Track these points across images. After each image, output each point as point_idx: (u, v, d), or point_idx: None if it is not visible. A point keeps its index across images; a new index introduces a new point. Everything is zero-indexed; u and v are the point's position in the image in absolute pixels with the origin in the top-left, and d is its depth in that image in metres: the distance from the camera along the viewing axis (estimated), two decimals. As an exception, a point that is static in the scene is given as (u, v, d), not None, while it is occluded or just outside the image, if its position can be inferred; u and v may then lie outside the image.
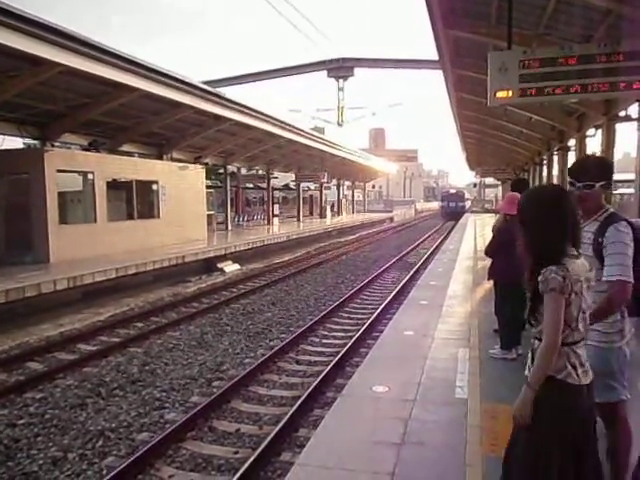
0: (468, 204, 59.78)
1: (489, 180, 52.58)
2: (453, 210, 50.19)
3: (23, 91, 11.80)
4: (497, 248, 5.83)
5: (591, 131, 13.52)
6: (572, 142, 15.67)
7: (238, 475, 4.52)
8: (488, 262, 6.20)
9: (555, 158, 18.71)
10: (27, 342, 9.23)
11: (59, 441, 5.47)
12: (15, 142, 16.45)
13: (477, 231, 24.78)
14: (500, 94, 6.92)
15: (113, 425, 5.83)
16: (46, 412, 6.20)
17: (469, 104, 16.46)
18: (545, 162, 21.09)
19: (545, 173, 21.20)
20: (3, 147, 16.15)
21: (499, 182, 46.36)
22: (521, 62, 6.77)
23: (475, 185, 61.78)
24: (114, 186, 15.91)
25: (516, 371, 5.28)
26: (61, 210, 13.81)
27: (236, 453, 5.18)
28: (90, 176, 14.89)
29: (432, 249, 22.92)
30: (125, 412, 6.20)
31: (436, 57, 12.03)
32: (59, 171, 13.64)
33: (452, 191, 58.51)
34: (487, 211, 48.34)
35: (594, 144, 13.38)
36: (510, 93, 6.86)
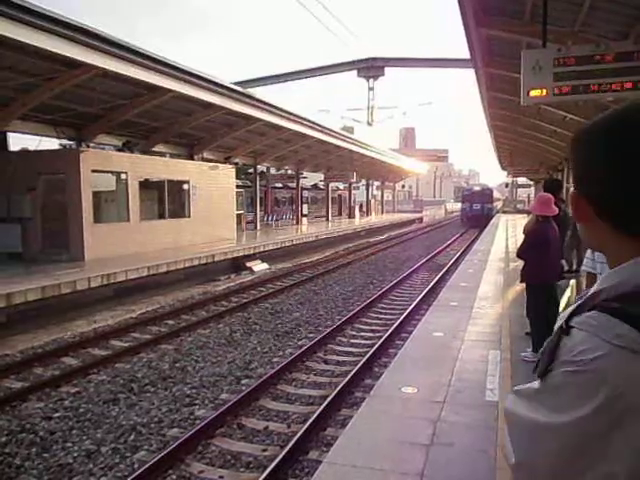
0: (498, 206, 56.39)
1: (521, 180, 51.41)
2: (477, 214, 39.11)
3: (60, 93, 12.12)
4: (528, 249, 5.74)
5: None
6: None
7: (267, 472, 4.55)
8: (520, 263, 6.11)
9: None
10: (62, 338, 9.47)
11: (93, 434, 5.60)
12: (51, 143, 16.88)
13: (509, 232, 24.41)
14: (534, 93, 6.80)
15: (144, 420, 5.94)
16: (80, 406, 6.36)
17: (501, 103, 16.19)
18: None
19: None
20: (39, 148, 16.60)
21: (532, 182, 45.62)
22: (556, 60, 6.64)
23: (507, 185, 60.07)
24: (146, 186, 16.20)
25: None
26: (95, 209, 14.14)
27: (264, 450, 5.22)
28: (123, 176, 15.20)
29: (462, 250, 22.64)
30: (156, 408, 6.31)
31: (468, 55, 11.88)
32: (94, 171, 13.96)
33: (476, 188, 44.09)
34: (519, 211, 47.49)
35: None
36: (544, 92, 6.74)
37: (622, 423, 0.69)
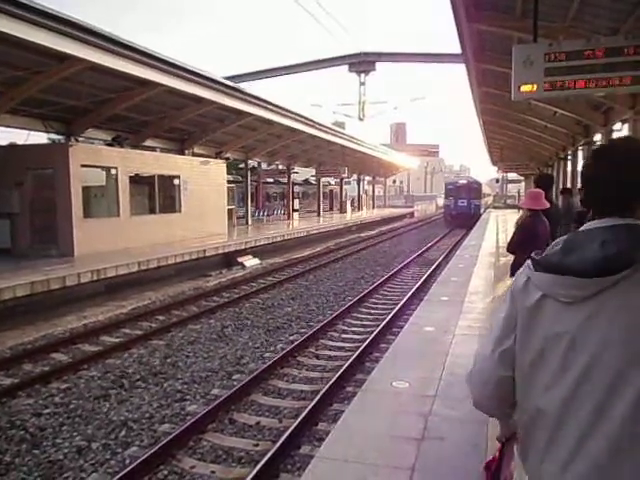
0: (489, 201, 55.14)
1: (511, 175, 51.51)
2: (463, 211, 34.44)
3: (48, 87, 11.99)
4: (519, 244, 5.75)
5: (617, 125, 13.26)
6: (598, 137, 15.40)
7: (258, 467, 4.55)
8: (510, 258, 6.13)
9: (580, 153, 18.39)
10: (52, 333, 9.41)
11: (83, 431, 5.57)
12: (39, 137, 16.72)
13: (499, 226, 24.51)
14: (524, 88, 6.80)
15: (135, 416, 5.92)
16: (70, 402, 6.33)
17: (492, 98, 16.24)
18: (570, 157, 20.73)
19: (570, 169, 20.86)
20: (28, 142, 16.43)
21: (522, 177, 45.81)
22: (547, 55, 6.64)
23: (497, 180, 60.24)
24: (137, 181, 16.08)
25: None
26: (85, 204, 14.00)
27: (256, 445, 5.22)
28: (113, 171, 15.08)
29: (453, 245, 22.74)
30: (147, 403, 6.29)
31: (459, 50, 11.87)
32: (83, 166, 13.83)
33: (462, 182, 37.69)
34: (509, 206, 47.61)
35: (621, 139, 13.10)
36: (535, 87, 6.74)
37: (518, 311, 1.33)
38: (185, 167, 18.28)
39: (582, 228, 1.30)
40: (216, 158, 21.33)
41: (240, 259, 17.25)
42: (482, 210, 37.77)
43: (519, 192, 55.68)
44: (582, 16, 8.91)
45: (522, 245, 5.68)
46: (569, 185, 18.52)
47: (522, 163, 33.71)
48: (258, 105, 17.23)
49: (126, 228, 15.15)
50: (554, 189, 11.04)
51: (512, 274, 5.99)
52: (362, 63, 29.57)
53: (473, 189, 35.76)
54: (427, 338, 6.38)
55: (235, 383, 6.85)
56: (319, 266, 17.27)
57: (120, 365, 7.69)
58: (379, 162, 39.23)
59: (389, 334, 8.87)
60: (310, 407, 5.82)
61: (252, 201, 29.23)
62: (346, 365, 7.19)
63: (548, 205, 5.72)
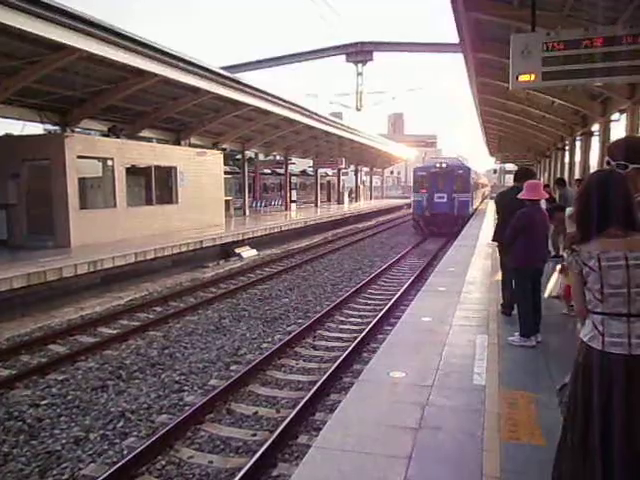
0: (486, 191, 53.37)
1: (509, 166, 51.35)
2: (443, 212, 23.06)
3: (43, 77, 11.90)
4: (516, 234, 5.74)
5: (615, 115, 13.24)
6: (596, 127, 15.38)
7: (256, 457, 4.57)
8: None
9: (578, 144, 18.38)
10: (49, 325, 9.40)
11: (81, 421, 5.58)
12: (35, 128, 16.61)
13: (497, 216, 24.45)
14: (523, 77, 6.78)
15: (133, 407, 5.93)
16: (68, 393, 6.33)
17: (490, 88, 16.17)
18: (567, 147, 20.72)
19: (567, 159, 20.84)
20: (24, 133, 16.32)
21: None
22: (545, 44, 6.61)
23: (495, 171, 60.13)
24: (133, 172, 16.00)
25: (535, 359, 5.25)
26: (81, 195, 13.95)
27: (254, 435, 5.23)
28: (110, 162, 15.00)
29: (450, 236, 22.70)
30: (145, 394, 6.30)
31: (457, 40, 11.80)
32: (79, 157, 13.76)
33: (439, 165, 23.97)
34: None
35: (619, 129, 13.12)
36: (533, 76, 6.72)
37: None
38: (182, 158, 18.21)
39: None
40: (213, 149, 21.24)
41: (237, 250, 17.23)
42: (473, 208, 27.40)
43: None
44: (580, 5, 8.85)
45: (519, 234, 5.68)
46: (566, 176, 18.54)
47: (520, 154, 33.72)
48: (255, 95, 17.15)
49: (123, 219, 15.11)
50: (551, 180, 11.04)
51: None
52: (359, 53, 29.45)
53: (457, 177, 23.59)
54: (424, 328, 6.38)
55: (233, 374, 6.85)
56: (317, 257, 17.28)
57: (118, 356, 7.69)
58: (377, 153, 39.16)
59: (386, 324, 8.89)
60: (307, 397, 5.83)
61: (249, 192, 29.16)
62: (343, 356, 7.20)
63: (547, 195, 5.73)
